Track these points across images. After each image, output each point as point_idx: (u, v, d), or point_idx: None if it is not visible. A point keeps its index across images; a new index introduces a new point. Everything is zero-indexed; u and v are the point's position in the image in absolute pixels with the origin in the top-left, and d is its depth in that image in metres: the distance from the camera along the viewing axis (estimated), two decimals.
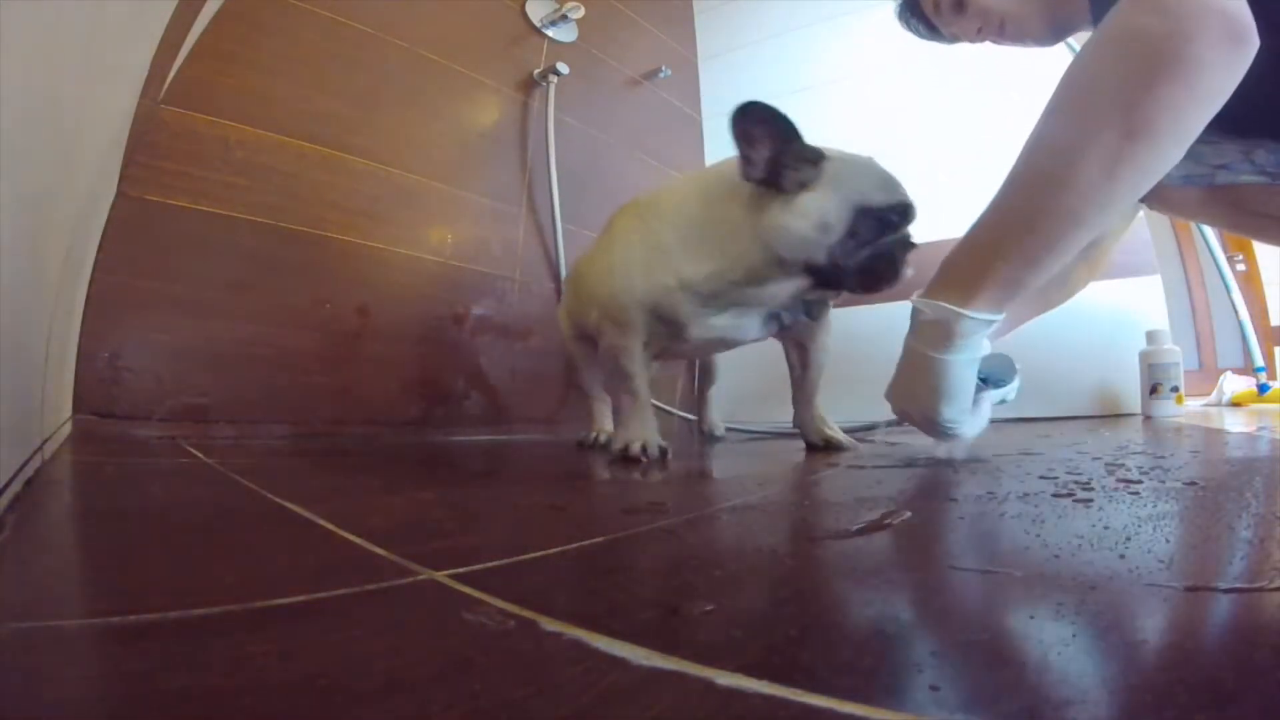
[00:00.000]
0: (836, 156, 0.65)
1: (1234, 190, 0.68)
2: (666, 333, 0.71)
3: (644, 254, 0.69)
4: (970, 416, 0.61)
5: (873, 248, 0.63)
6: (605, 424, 0.91)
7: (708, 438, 0.97)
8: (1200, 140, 0.59)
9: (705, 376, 1.10)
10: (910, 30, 0.83)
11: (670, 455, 0.70)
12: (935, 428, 0.60)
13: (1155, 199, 0.72)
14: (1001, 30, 0.76)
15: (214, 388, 0.89)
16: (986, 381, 0.65)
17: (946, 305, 0.55)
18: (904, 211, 0.64)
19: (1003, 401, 0.70)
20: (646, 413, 0.73)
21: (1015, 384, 0.70)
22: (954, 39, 0.80)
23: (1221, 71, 0.45)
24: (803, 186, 0.63)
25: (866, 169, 0.66)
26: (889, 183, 0.65)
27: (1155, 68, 0.45)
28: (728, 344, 0.78)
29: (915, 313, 0.58)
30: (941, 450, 0.70)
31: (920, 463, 0.63)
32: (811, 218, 0.62)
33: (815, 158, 0.63)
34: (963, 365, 0.56)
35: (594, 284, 0.75)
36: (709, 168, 0.73)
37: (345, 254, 1.05)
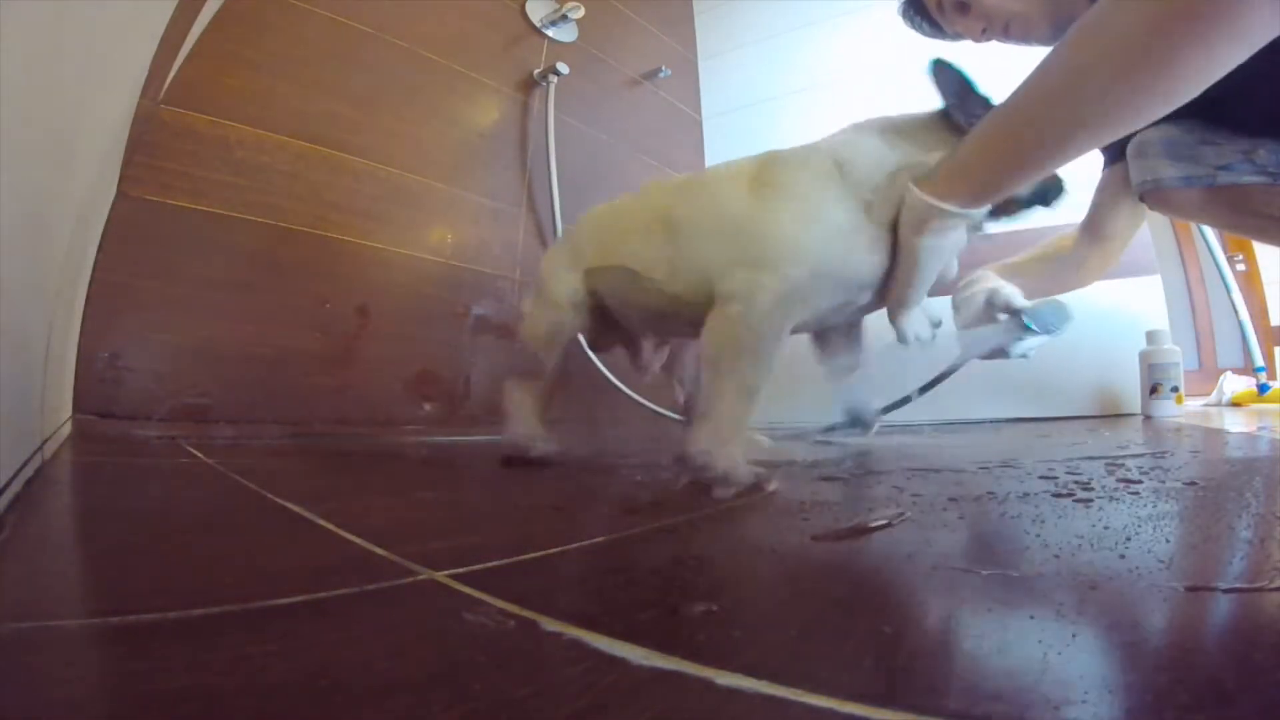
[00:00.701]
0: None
1: (1235, 191, 0.68)
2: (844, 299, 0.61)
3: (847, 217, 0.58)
4: (920, 311, 0.62)
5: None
6: (531, 423, 0.72)
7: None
8: (1202, 141, 0.59)
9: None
10: (914, 28, 0.83)
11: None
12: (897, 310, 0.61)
13: (1157, 200, 0.72)
14: (1006, 31, 0.76)
15: (214, 388, 0.89)
16: (1031, 328, 0.67)
17: (923, 196, 0.56)
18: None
19: (1024, 356, 0.72)
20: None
21: (1055, 332, 0.70)
22: (958, 38, 0.80)
23: (1268, 19, 0.41)
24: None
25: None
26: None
27: (1200, 22, 0.42)
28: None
29: (903, 199, 0.58)
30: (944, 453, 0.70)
31: (920, 463, 0.63)
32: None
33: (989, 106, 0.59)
34: (929, 250, 0.58)
35: (770, 241, 0.57)
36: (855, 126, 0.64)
37: (345, 254, 1.05)
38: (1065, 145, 0.51)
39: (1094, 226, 0.84)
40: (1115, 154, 0.79)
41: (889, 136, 0.63)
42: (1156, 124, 0.63)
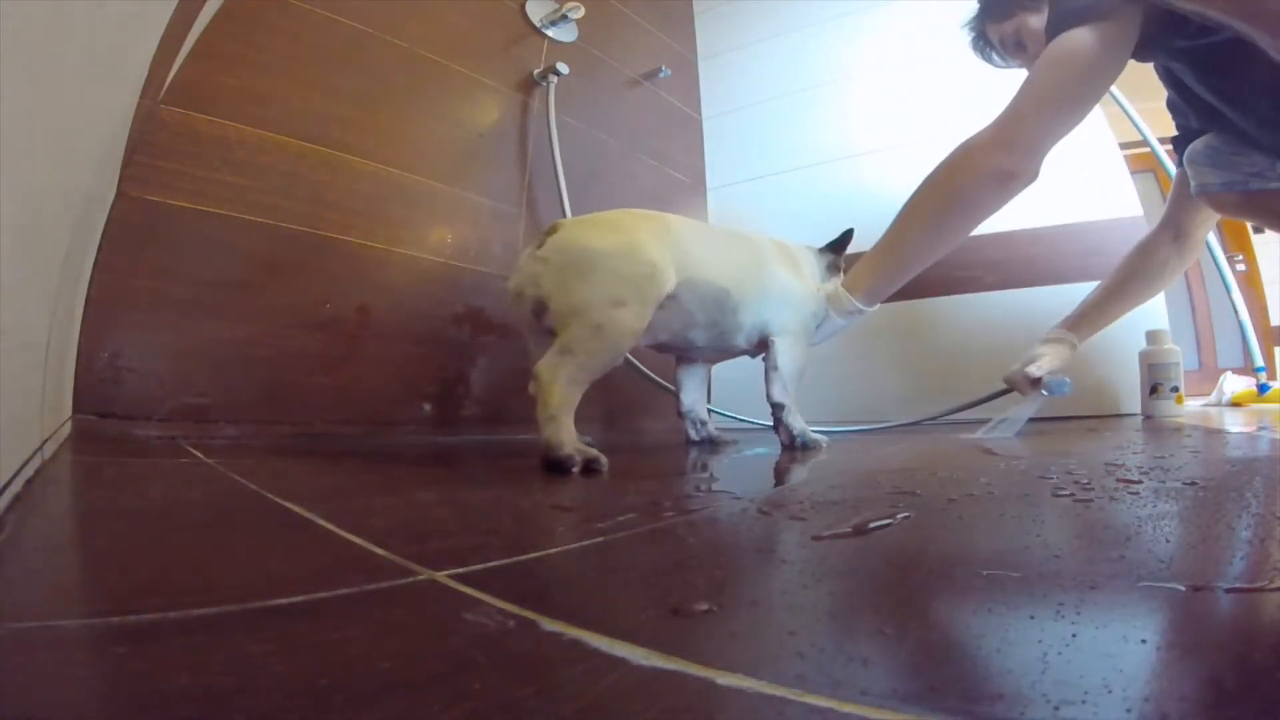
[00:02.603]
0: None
1: (1266, 196, 0.83)
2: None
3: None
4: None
5: None
6: (569, 433, 0.70)
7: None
8: (1235, 152, 0.83)
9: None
10: (983, 59, 1.02)
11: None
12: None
13: (1208, 201, 0.90)
14: None
15: (214, 388, 0.89)
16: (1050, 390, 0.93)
17: (854, 299, 0.89)
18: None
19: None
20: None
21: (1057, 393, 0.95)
22: (1015, 66, 0.98)
23: (992, 201, 0.82)
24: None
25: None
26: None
27: (952, 202, 0.83)
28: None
29: (838, 293, 0.90)
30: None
31: (919, 463, 0.63)
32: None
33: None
34: (839, 325, 0.92)
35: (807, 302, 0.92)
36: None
37: (345, 254, 1.05)
38: (909, 267, 0.88)
39: (1174, 226, 0.99)
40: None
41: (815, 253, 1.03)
42: (1204, 134, 0.86)
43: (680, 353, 0.99)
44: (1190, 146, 0.88)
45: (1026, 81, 0.80)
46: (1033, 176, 0.80)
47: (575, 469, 0.61)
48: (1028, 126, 0.79)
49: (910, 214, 0.85)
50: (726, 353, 0.96)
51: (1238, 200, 0.86)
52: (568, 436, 0.65)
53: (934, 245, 0.87)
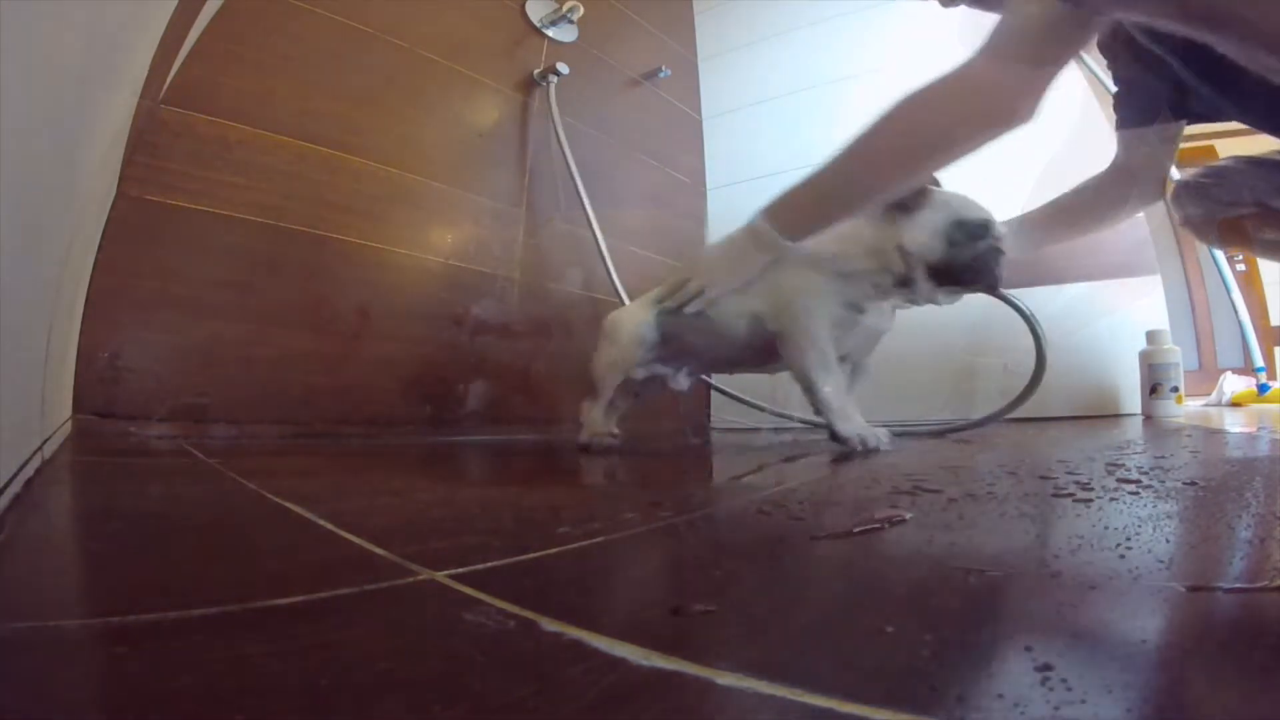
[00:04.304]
0: (939, 190, 0.84)
1: (1242, 222, 0.84)
2: (849, 319, 0.84)
3: (823, 257, 0.83)
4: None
5: (971, 250, 0.80)
6: (604, 426, 0.93)
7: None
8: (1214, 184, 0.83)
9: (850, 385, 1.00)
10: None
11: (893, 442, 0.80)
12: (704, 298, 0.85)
13: (1193, 233, 0.90)
14: None
15: (214, 388, 0.89)
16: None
17: (770, 228, 0.79)
18: (987, 225, 0.81)
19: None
20: (852, 402, 0.83)
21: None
22: (996, 9, 0.84)
23: (987, 138, 0.69)
24: (919, 208, 0.81)
25: (959, 196, 0.84)
26: (975, 205, 0.83)
27: (938, 145, 0.71)
28: (874, 337, 0.91)
29: (751, 222, 0.81)
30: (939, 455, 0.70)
31: (918, 463, 0.63)
32: (928, 227, 0.81)
33: (924, 190, 0.82)
34: (758, 261, 0.82)
35: (777, 291, 0.85)
36: None
37: (345, 254, 1.05)
38: (854, 204, 0.78)
39: (1133, 171, 0.90)
40: (1139, 117, 0.84)
41: None
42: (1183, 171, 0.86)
43: None
44: (1173, 188, 0.89)
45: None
46: (1034, 113, 0.68)
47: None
48: (1029, 52, 0.65)
49: (868, 139, 0.72)
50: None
51: (1222, 229, 0.88)
52: None
53: (890, 180, 0.75)
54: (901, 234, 0.82)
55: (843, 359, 0.92)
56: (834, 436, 0.80)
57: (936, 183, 0.85)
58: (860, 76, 1.56)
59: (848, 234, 0.84)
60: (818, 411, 0.82)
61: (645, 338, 0.91)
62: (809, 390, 0.83)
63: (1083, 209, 0.94)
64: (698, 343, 0.91)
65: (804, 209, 0.78)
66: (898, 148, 0.72)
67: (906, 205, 0.82)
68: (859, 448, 0.77)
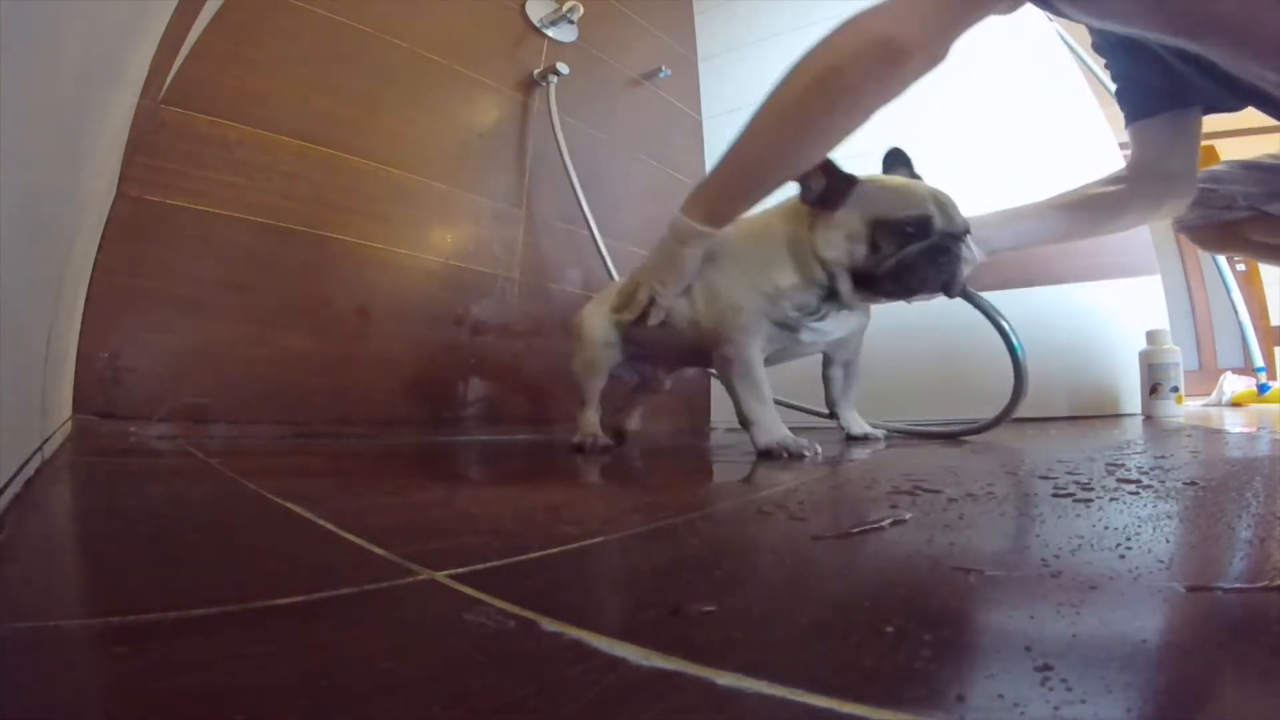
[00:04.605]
0: (869, 180, 0.74)
1: (1238, 225, 0.84)
2: (781, 337, 0.79)
3: (752, 271, 0.77)
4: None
5: (897, 257, 0.71)
6: (596, 429, 0.95)
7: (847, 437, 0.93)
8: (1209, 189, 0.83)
9: (842, 386, 0.97)
10: None
11: (819, 450, 0.70)
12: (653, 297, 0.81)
13: (1191, 239, 0.92)
14: None
15: (214, 388, 0.89)
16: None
17: (685, 218, 0.75)
18: (921, 224, 0.71)
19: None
20: (777, 415, 0.76)
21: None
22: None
23: (880, 90, 0.64)
24: (838, 206, 0.73)
25: (893, 189, 0.74)
26: (910, 199, 0.72)
27: (823, 84, 0.64)
28: (834, 342, 0.84)
29: (674, 218, 0.77)
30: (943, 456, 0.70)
31: (918, 463, 0.63)
32: (842, 229, 0.72)
33: (848, 183, 0.73)
34: (688, 256, 0.76)
35: (711, 300, 0.80)
36: (788, 198, 0.79)
37: (345, 254, 1.05)
38: (766, 173, 0.70)
39: (1141, 164, 0.83)
40: (1144, 109, 0.80)
41: (783, 209, 0.84)
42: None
43: None
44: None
45: None
46: (933, 56, 0.63)
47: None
48: None
49: (769, 104, 0.67)
50: None
51: (1218, 234, 0.88)
52: None
53: (796, 143, 0.67)
54: (816, 238, 0.73)
55: (828, 361, 0.92)
56: (756, 450, 0.74)
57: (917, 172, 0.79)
58: None
59: (774, 240, 0.77)
60: (743, 423, 0.77)
61: (608, 338, 0.92)
62: (735, 403, 0.78)
63: (1110, 204, 0.86)
64: (653, 346, 0.91)
65: (718, 192, 0.73)
66: (799, 103, 0.66)
67: (827, 201, 0.73)
68: (783, 455, 0.69)
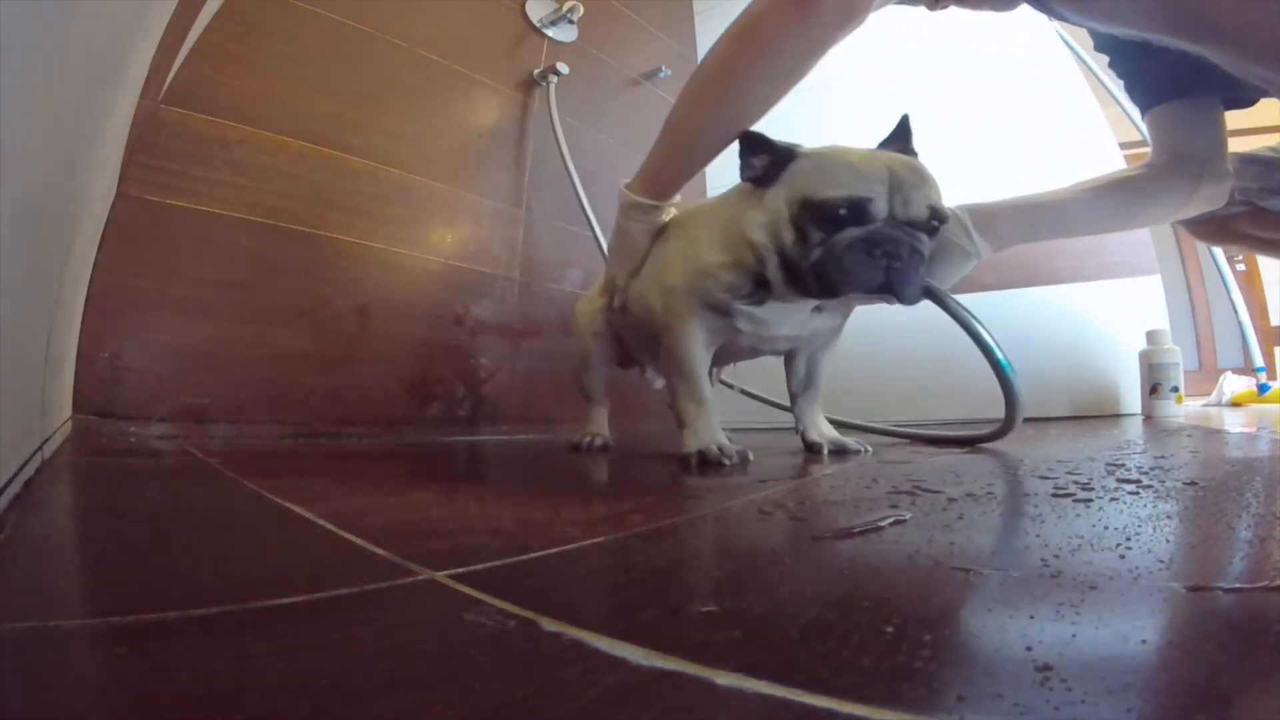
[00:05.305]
0: (811, 153, 0.65)
1: (1234, 220, 0.85)
2: (720, 324, 0.70)
3: (683, 248, 0.72)
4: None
5: (824, 246, 0.59)
6: (599, 428, 0.94)
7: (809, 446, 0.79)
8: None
9: (804, 380, 0.84)
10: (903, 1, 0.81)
11: (751, 458, 0.66)
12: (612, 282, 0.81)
13: (1191, 232, 0.93)
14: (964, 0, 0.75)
15: (214, 388, 0.89)
16: None
17: (629, 193, 0.75)
18: (855, 206, 0.59)
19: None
20: (713, 417, 0.70)
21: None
22: (940, 8, 0.79)
23: (795, 38, 0.63)
24: (771, 182, 0.65)
25: (833, 163, 0.62)
26: (846, 176, 0.60)
27: (744, 44, 0.64)
28: (787, 340, 0.75)
29: (619, 193, 0.76)
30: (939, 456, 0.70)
31: (918, 463, 0.63)
32: (767, 210, 0.64)
33: (786, 156, 0.65)
34: (635, 232, 0.76)
35: (649, 282, 0.76)
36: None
37: (345, 254, 1.05)
38: (700, 142, 0.70)
39: (1176, 149, 0.76)
40: (1157, 96, 0.76)
41: (733, 189, 0.78)
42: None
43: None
44: None
45: None
46: (849, 8, 0.62)
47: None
48: None
49: (699, 67, 0.67)
50: None
51: (1214, 227, 0.89)
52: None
53: (722, 103, 0.66)
54: (744, 218, 0.65)
55: (790, 356, 0.80)
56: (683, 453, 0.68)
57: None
58: (858, 78, 1.56)
59: (713, 218, 0.71)
60: (678, 422, 0.72)
61: (596, 327, 0.91)
62: (671, 399, 0.73)
63: (1141, 188, 0.78)
64: (628, 335, 0.89)
65: (657, 161, 0.72)
66: (722, 58, 0.65)
67: (761, 176, 0.65)
68: (712, 460, 0.64)
